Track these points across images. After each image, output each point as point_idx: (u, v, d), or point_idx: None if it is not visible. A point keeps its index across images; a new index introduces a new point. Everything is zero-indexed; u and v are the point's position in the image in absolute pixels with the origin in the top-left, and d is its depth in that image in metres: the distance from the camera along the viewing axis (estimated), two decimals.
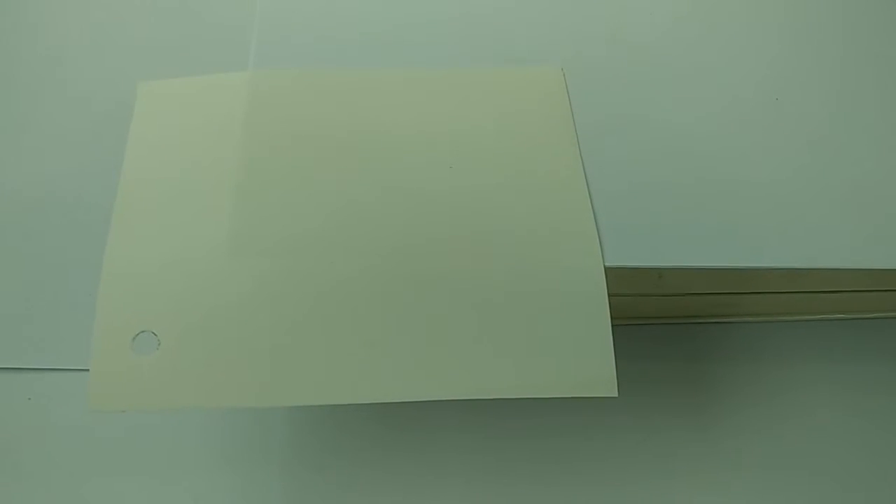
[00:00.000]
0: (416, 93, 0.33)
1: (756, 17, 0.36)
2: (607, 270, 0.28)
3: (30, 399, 0.34)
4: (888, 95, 0.34)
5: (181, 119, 0.31)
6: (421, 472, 0.32)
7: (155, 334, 0.26)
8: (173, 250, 0.28)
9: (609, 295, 0.27)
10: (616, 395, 0.26)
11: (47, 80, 0.43)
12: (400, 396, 0.26)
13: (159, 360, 0.26)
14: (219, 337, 0.26)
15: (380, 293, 0.27)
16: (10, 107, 0.42)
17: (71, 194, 0.39)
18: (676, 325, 0.36)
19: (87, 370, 0.26)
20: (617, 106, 0.33)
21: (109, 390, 0.26)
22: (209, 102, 0.32)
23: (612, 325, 0.27)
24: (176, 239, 0.28)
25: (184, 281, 0.27)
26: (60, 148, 0.41)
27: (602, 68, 0.34)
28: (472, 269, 0.28)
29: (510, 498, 0.32)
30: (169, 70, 0.33)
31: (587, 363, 0.27)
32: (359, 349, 0.27)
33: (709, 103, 0.33)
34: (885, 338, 0.36)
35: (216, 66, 0.33)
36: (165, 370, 0.26)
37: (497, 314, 0.27)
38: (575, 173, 0.30)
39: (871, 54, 0.35)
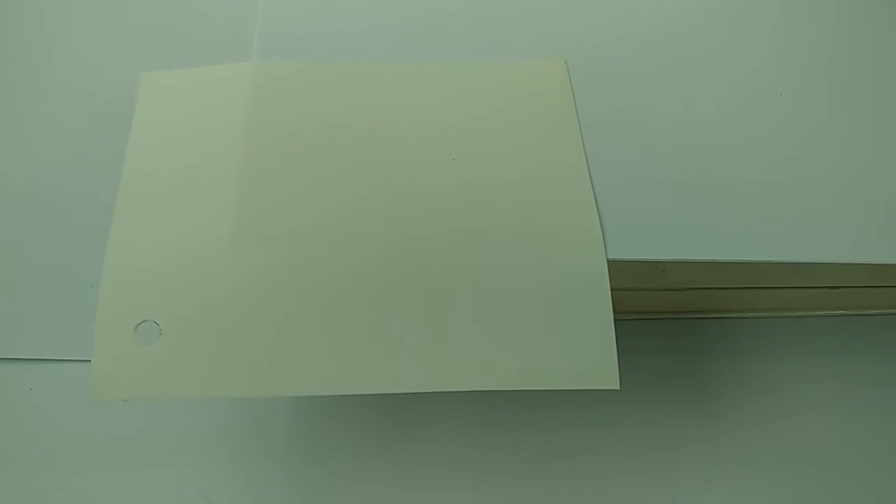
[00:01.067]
0: (420, 86, 0.32)
1: (759, 12, 0.36)
2: (610, 264, 0.28)
3: (31, 389, 0.34)
4: (890, 90, 0.34)
5: (184, 110, 0.31)
6: (422, 464, 0.32)
7: (157, 324, 0.26)
8: (176, 240, 0.28)
9: (612, 289, 0.27)
10: (618, 387, 0.26)
11: (47, 73, 0.43)
12: (402, 388, 0.26)
13: (161, 350, 0.26)
14: (221, 327, 0.26)
15: (382, 285, 0.27)
16: (10, 100, 0.42)
17: (71, 185, 0.39)
18: (678, 319, 0.36)
19: (89, 360, 0.26)
20: (620, 99, 0.33)
21: (111, 380, 0.26)
22: (212, 94, 0.32)
23: (615, 320, 0.27)
24: (179, 229, 0.28)
25: (186, 271, 0.27)
26: (61, 139, 0.40)
27: (605, 62, 0.34)
28: (474, 261, 0.28)
29: (511, 491, 0.32)
30: (171, 62, 0.33)
31: (589, 355, 0.26)
32: (360, 340, 0.27)
33: (712, 97, 0.33)
34: (889, 334, 0.36)
35: (219, 57, 0.33)
36: (167, 360, 0.26)
37: (500, 307, 0.27)
38: (578, 166, 0.30)
39: (873, 50, 0.35)
